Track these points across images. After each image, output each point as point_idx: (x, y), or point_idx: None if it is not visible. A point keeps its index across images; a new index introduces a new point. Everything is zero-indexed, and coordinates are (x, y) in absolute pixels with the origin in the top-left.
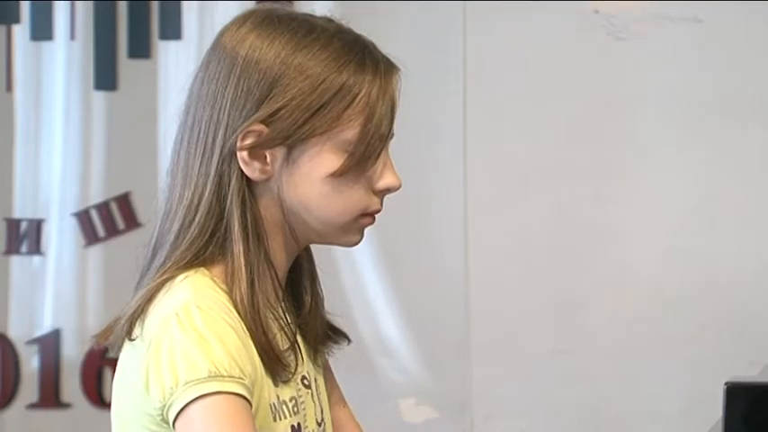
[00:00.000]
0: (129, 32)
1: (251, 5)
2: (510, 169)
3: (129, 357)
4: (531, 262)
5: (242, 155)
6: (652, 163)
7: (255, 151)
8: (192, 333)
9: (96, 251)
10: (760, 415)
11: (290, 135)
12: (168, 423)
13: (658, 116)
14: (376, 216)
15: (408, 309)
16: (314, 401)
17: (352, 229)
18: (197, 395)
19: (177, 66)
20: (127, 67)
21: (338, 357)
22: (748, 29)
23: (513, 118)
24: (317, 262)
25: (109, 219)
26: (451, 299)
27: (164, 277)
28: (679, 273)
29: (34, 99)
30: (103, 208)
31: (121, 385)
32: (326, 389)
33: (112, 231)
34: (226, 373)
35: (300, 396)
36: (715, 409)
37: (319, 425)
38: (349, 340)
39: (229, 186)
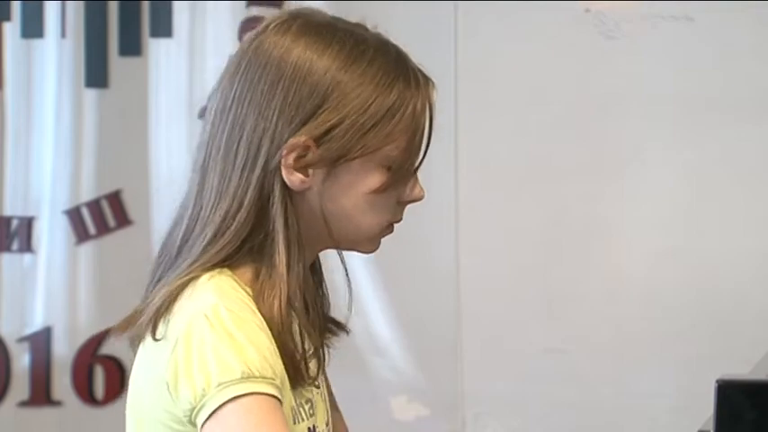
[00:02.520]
0: (119, 30)
1: (242, 5)
2: (501, 168)
3: (152, 355)
4: (522, 261)
5: (287, 166)
6: (642, 161)
7: (300, 163)
8: (222, 334)
9: (87, 249)
10: (751, 412)
11: (343, 155)
12: (195, 424)
13: (649, 115)
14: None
15: (399, 307)
16: (323, 401)
17: (375, 239)
18: (231, 396)
19: (168, 63)
20: (118, 64)
21: (328, 355)
22: (740, 28)
23: (504, 117)
24: None
25: (100, 216)
26: (442, 297)
27: (189, 276)
28: (670, 271)
29: (25, 97)
30: (94, 206)
31: (142, 383)
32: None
33: (103, 229)
34: (258, 374)
35: (314, 397)
36: (706, 406)
37: (327, 425)
38: (348, 331)
39: (273, 196)
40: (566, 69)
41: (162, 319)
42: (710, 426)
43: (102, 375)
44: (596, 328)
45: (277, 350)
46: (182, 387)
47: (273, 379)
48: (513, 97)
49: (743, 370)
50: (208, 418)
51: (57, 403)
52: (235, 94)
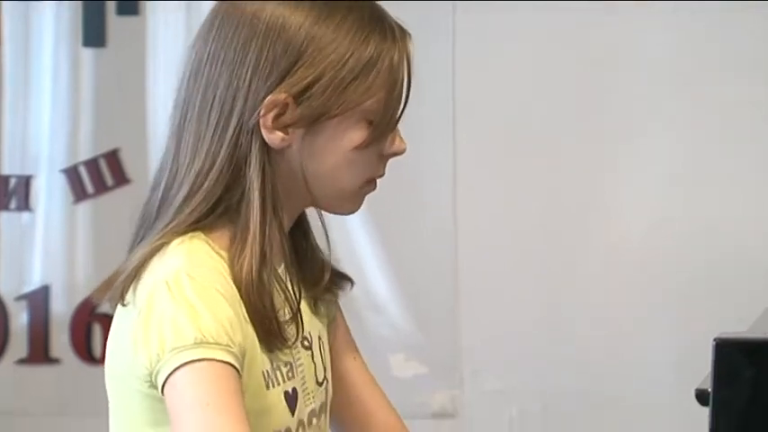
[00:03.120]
0: None
1: None
2: (499, 132)
3: (121, 321)
4: (520, 221)
5: (266, 124)
6: (638, 129)
7: (279, 121)
8: (180, 301)
9: (85, 207)
10: (749, 369)
11: (323, 113)
12: (157, 389)
13: (645, 84)
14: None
15: (397, 265)
16: (314, 362)
17: (356, 197)
18: (183, 362)
19: (166, 22)
20: (115, 23)
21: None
22: None
23: (502, 86)
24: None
25: (98, 175)
26: (441, 254)
27: (159, 242)
28: (668, 233)
29: (23, 56)
30: (92, 164)
31: (113, 348)
32: (333, 340)
33: (101, 188)
34: (212, 340)
35: (298, 359)
36: (704, 365)
37: (320, 384)
38: (352, 283)
39: (249, 155)
40: (563, 38)
41: (131, 285)
42: (708, 384)
43: (100, 333)
44: (594, 287)
45: (245, 318)
46: (140, 352)
47: (230, 346)
48: (510, 67)
49: (740, 329)
50: (164, 384)
51: (55, 361)
52: (208, 53)
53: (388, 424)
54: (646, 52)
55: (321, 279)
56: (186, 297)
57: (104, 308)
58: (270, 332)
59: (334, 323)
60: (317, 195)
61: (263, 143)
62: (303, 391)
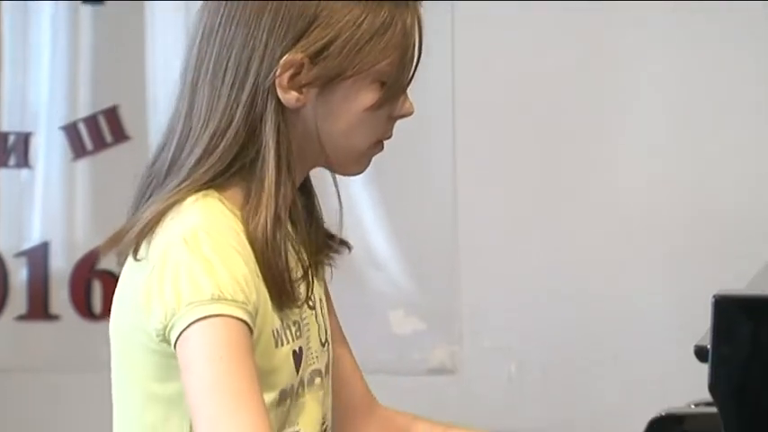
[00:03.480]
0: None
1: None
2: (498, 93)
3: (133, 275)
4: (520, 178)
5: (282, 84)
6: (636, 88)
7: (294, 81)
8: (198, 257)
9: (84, 164)
10: (747, 326)
11: (339, 74)
12: (169, 343)
13: (643, 42)
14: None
15: (397, 221)
16: (318, 322)
17: (365, 158)
18: (198, 317)
19: None
20: None
21: (330, 274)
22: None
23: (502, 45)
24: None
25: (97, 132)
26: (440, 211)
27: (174, 198)
28: (666, 191)
29: (22, 12)
30: (91, 121)
31: (122, 302)
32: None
33: (100, 145)
34: (230, 297)
35: (305, 319)
36: (703, 321)
37: (323, 345)
38: (350, 248)
39: (265, 115)
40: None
41: (145, 240)
42: (707, 340)
43: (99, 290)
44: (594, 245)
45: (258, 276)
46: (154, 306)
47: (245, 304)
48: (511, 25)
49: (740, 285)
50: (178, 338)
51: (54, 317)
52: (222, 16)
53: (362, 390)
54: (643, 11)
55: (323, 242)
56: (203, 253)
57: (104, 264)
58: (282, 290)
59: (325, 284)
60: (330, 155)
61: (279, 103)
62: (308, 350)
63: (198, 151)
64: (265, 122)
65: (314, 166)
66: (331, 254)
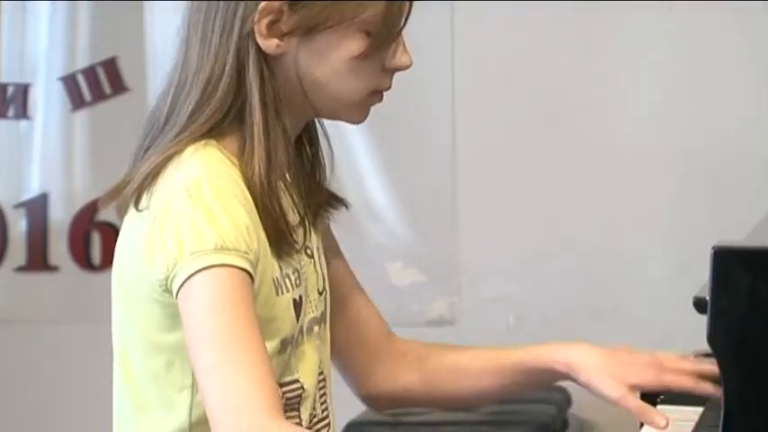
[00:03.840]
0: None
1: None
2: (498, 36)
3: (135, 226)
4: (518, 129)
5: (260, 31)
6: (641, 37)
7: (274, 28)
8: (200, 206)
9: (83, 116)
10: (747, 278)
11: (319, 23)
12: (172, 293)
13: None
14: (384, 94)
15: (396, 172)
16: (316, 271)
17: (360, 107)
18: (201, 266)
19: None
20: None
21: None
22: None
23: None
24: None
25: (95, 83)
26: (440, 162)
27: (174, 149)
28: (664, 140)
29: None
30: (90, 72)
31: (125, 253)
32: (326, 250)
33: (99, 96)
34: (232, 247)
35: (303, 267)
36: (702, 273)
37: (320, 294)
38: (348, 206)
39: (248, 62)
40: None
41: (146, 191)
42: (707, 292)
43: (98, 241)
44: (591, 196)
45: (258, 223)
46: (157, 256)
47: (247, 253)
48: None
49: (739, 235)
50: (180, 287)
51: (54, 269)
52: None
53: (378, 330)
54: None
55: (323, 197)
56: (206, 202)
57: (103, 216)
58: (280, 235)
59: (326, 234)
60: (317, 104)
61: (259, 49)
62: (306, 299)
63: (193, 101)
64: (248, 69)
65: (310, 115)
66: (330, 210)
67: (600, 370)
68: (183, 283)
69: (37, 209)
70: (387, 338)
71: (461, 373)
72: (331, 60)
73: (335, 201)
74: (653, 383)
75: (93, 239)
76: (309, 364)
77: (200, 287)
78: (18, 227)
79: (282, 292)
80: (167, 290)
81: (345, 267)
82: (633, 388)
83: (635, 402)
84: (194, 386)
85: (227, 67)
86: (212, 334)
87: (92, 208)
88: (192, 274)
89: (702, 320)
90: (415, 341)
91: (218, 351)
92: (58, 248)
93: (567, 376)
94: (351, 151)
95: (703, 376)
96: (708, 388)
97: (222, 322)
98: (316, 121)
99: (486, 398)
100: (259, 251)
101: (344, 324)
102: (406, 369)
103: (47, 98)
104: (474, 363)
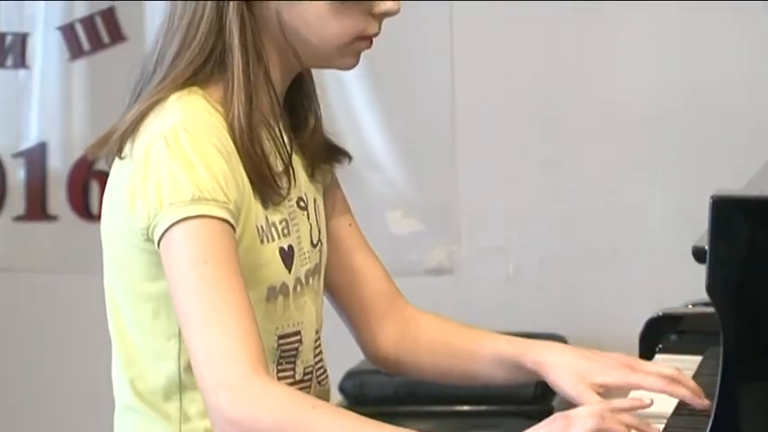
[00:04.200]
0: None
1: None
2: None
3: (118, 175)
4: (518, 77)
5: None
6: None
7: None
8: (178, 156)
9: (81, 65)
10: (745, 227)
11: None
12: (153, 242)
13: None
14: (373, 40)
15: (395, 122)
16: (310, 223)
17: (348, 52)
18: (180, 217)
19: None
20: None
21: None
22: None
23: None
24: None
25: (94, 32)
26: (438, 111)
27: (157, 96)
28: (664, 89)
29: None
30: (88, 22)
31: (110, 202)
32: (330, 206)
33: (97, 45)
34: (210, 197)
35: (293, 218)
36: (701, 222)
37: (314, 245)
38: (350, 158)
39: (227, 3)
40: None
41: (129, 139)
42: (705, 241)
43: (97, 190)
44: (591, 143)
45: (242, 172)
46: (138, 204)
47: (226, 203)
48: None
49: (738, 184)
50: (161, 238)
51: (52, 218)
52: None
53: (380, 291)
54: None
55: (320, 148)
56: (184, 152)
57: (102, 165)
58: (263, 180)
59: (331, 189)
60: (300, 50)
61: None
62: (299, 250)
63: (176, 44)
64: (228, 11)
65: (294, 65)
66: (330, 161)
67: (566, 369)
68: (163, 234)
69: (35, 158)
70: (391, 302)
71: (450, 354)
72: (308, 5)
73: (338, 154)
74: (620, 382)
75: (92, 188)
76: (309, 316)
77: (180, 239)
78: (17, 176)
79: (267, 241)
80: (149, 239)
81: (352, 226)
82: (600, 386)
83: (592, 399)
84: (182, 334)
85: (208, 9)
86: (194, 285)
87: (88, 157)
88: (171, 225)
89: (701, 269)
90: (424, 313)
91: (202, 302)
92: (57, 197)
93: (535, 374)
94: (349, 101)
95: (675, 382)
96: (682, 392)
97: (204, 273)
98: (311, 78)
99: (470, 381)
100: (241, 200)
101: (348, 283)
102: (405, 340)
103: (45, 47)
104: (464, 345)
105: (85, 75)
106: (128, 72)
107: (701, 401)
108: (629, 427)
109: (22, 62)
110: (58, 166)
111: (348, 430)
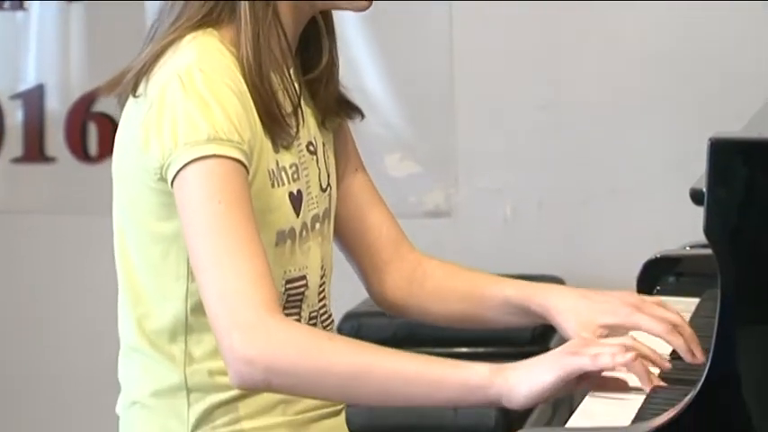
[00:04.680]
0: None
1: None
2: None
3: (132, 113)
4: (517, 20)
5: None
6: None
7: None
8: (193, 96)
9: (79, 6)
10: (743, 169)
11: None
12: (167, 182)
13: None
14: None
15: (393, 64)
16: (319, 167)
17: None
18: (195, 157)
19: None
20: None
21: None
22: None
23: None
24: None
25: None
26: (437, 53)
27: (172, 36)
28: (665, 31)
29: None
30: None
31: (123, 141)
32: (339, 151)
33: None
34: (225, 137)
35: (303, 162)
36: (699, 164)
37: (324, 190)
38: (362, 116)
39: None
40: None
41: (143, 78)
42: (703, 183)
43: (95, 132)
44: (591, 86)
45: (254, 112)
46: (152, 143)
47: (240, 143)
48: None
49: (736, 126)
50: (175, 177)
51: (50, 159)
52: None
53: (387, 236)
54: None
55: (332, 100)
56: (198, 91)
57: (100, 106)
58: (273, 118)
59: (341, 134)
60: None
61: None
62: (308, 194)
63: None
64: None
65: (307, 9)
66: (342, 114)
67: (570, 312)
68: (177, 173)
69: (33, 100)
70: (397, 247)
71: (455, 298)
72: None
73: (350, 109)
74: (623, 322)
75: (90, 130)
76: (314, 261)
77: (194, 179)
78: (15, 118)
79: (278, 185)
80: (162, 178)
81: (359, 171)
82: (603, 328)
83: None
84: (189, 275)
85: None
86: (208, 224)
87: (88, 99)
88: (185, 164)
89: (699, 211)
90: (430, 258)
91: (215, 242)
92: (55, 139)
93: (541, 318)
94: (347, 42)
95: (675, 331)
96: (678, 342)
97: (218, 212)
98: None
99: (475, 325)
100: (254, 142)
101: (355, 228)
102: (411, 284)
103: None
104: (470, 290)
105: (83, 16)
106: (125, 14)
107: (692, 358)
108: (646, 359)
109: (19, 4)
110: (56, 107)
111: (367, 360)
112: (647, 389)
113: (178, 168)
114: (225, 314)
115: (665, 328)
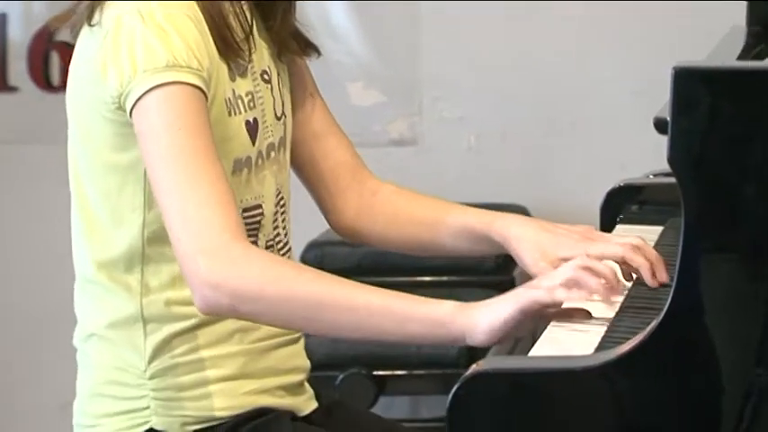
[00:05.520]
0: None
1: None
2: None
3: (87, 43)
4: None
5: None
6: None
7: None
8: (151, 24)
9: None
10: (707, 98)
11: None
12: (125, 111)
13: None
14: None
15: None
16: (273, 96)
17: None
18: (154, 84)
19: None
20: None
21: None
22: None
23: None
24: None
25: None
26: None
27: None
28: None
29: None
30: None
31: (77, 71)
32: (294, 78)
33: None
34: (184, 64)
35: (258, 91)
36: (661, 94)
37: (278, 119)
38: (319, 53)
39: None
40: None
41: (98, 7)
42: (667, 112)
43: (57, 61)
44: (551, 14)
45: (211, 42)
46: (110, 73)
47: (200, 70)
48: None
49: (701, 55)
50: (134, 105)
51: (13, 89)
52: None
53: (342, 162)
54: None
55: (288, 36)
56: (156, 20)
57: (62, 36)
58: (225, 41)
59: (296, 63)
60: None
61: None
62: (263, 123)
63: None
64: None
65: None
66: (299, 55)
67: (531, 243)
68: (136, 101)
69: None
70: (354, 173)
71: (413, 223)
72: None
73: (307, 47)
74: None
75: (52, 59)
76: (269, 189)
77: (154, 106)
78: None
79: (235, 113)
80: (120, 107)
81: (314, 97)
82: (562, 261)
83: None
84: (146, 205)
85: None
86: (170, 151)
87: (50, 28)
88: (145, 92)
89: (663, 140)
90: (387, 184)
91: (177, 169)
92: (17, 69)
93: (500, 247)
94: None
95: (637, 250)
96: (641, 262)
97: (179, 139)
98: None
99: (433, 252)
100: (212, 69)
101: (311, 155)
102: (369, 210)
103: None
104: (427, 215)
105: None
106: None
107: (653, 281)
108: (600, 277)
109: None
110: (18, 36)
111: (332, 289)
112: (605, 299)
113: (138, 96)
114: (189, 239)
115: (627, 248)
